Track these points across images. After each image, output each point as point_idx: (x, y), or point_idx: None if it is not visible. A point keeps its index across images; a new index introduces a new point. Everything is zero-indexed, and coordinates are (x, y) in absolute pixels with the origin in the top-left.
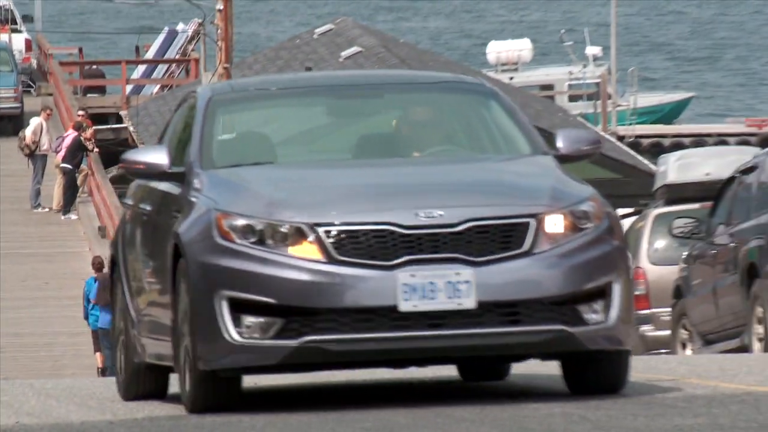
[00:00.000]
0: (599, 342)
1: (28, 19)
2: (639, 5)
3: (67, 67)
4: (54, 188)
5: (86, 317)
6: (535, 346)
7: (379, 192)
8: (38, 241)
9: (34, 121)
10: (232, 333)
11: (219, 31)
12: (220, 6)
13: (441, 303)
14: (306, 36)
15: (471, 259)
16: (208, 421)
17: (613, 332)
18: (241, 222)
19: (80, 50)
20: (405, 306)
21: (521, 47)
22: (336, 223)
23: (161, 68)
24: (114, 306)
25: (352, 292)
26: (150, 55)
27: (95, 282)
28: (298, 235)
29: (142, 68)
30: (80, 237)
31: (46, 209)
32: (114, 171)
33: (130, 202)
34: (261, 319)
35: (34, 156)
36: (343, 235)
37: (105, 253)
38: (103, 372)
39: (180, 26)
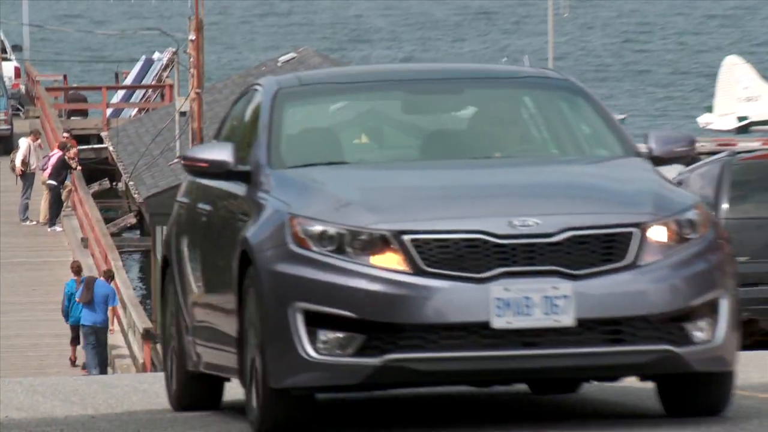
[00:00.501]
0: (706, 363)
1: (17, 48)
2: (580, 33)
3: (53, 92)
4: (41, 203)
5: (65, 315)
6: (638, 367)
7: (469, 197)
8: (26, 251)
9: (23, 144)
10: (307, 349)
11: (191, 59)
12: (192, 36)
13: (537, 320)
14: (271, 64)
15: (570, 272)
16: (181, 416)
17: (720, 352)
18: (317, 228)
19: (65, 77)
20: (498, 322)
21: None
22: (423, 230)
23: (138, 93)
24: (164, 308)
25: (441, 307)
26: (128, 81)
27: (75, 284)
28: (381, 243)
29: (121, 93)
30: (65, 247)
31: (34, 222)
32: (96, 187)
33: (184, 200)
34: (339, 335)
35: (24, 174)
36: (430, 244)
37: (87, 261)
38: (82, 367)
39: (156, 55)
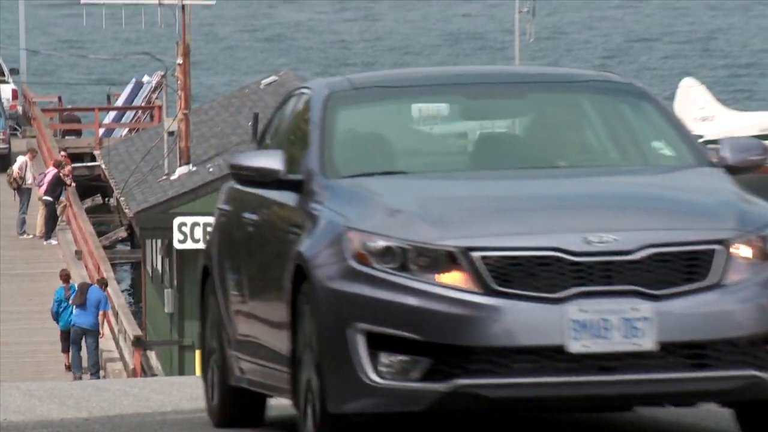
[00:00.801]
0: None
1: (14, 71)
2: (546, 58)
3: (48, 113)
4: (37, 218)
5: (56, 319)
6: (723, 394)
7: (540, 210)
8: (24, 263)
9: (20, 160)
10: (368, 372)
11: (179, 82)
12: (179, 60)
13: (615, 343)
14: (253, 86)
15: (650, 292)
16: (169, 419)
17: None
18: (380, 243)
19: (59, 98)
20: (574, 346)
21: (439, 106)
22: (493, 247)
23: (129, 114)
24: (204, 319)
25: (512, 329)
26: (120, 102)
27: (64, 291)
28: (449, 260)
29: (112, 114)
30: (60, 259)
31: (31, 236)
32: (89, 202)
33: (227, 208)
34: (403, 358)
35: (21, 189)
36: (501, 262)
37: (81, 272)
38: (68, 368)
39: (145, 78)
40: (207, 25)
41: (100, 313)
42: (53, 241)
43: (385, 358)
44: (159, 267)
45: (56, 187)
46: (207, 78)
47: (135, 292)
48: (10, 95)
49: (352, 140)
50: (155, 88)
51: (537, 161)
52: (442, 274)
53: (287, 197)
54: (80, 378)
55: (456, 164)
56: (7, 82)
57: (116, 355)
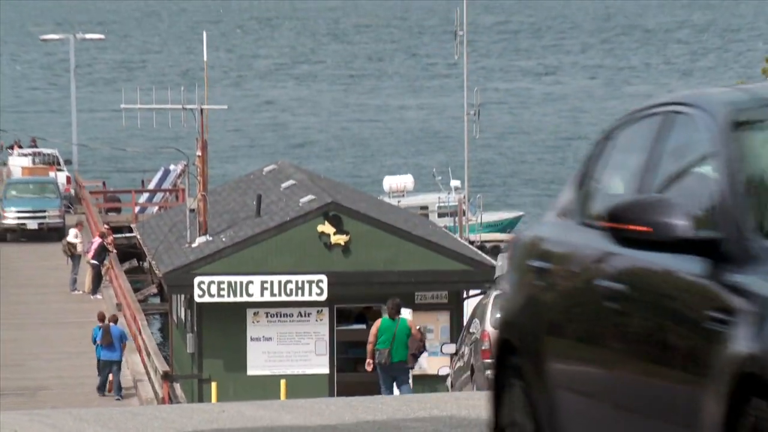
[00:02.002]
0: None
1: (68, 162)
2: (493, 149)
3: (95, 194)
4: (86, 277)
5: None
6: None
7: None
8: (74, 313)
9: (72, 232)
10: None
11: (198, 170)
12: (198, 153)
13: None
14: (257, 173)
15: None
16: None
17: None
18: None
19: (103, 183)
20: None
21: (406, 180)
22: None
23: (159, 195)
24: (501, 400)
25: None
26: (151, 186)
27: (99, 329)
28: None
29: (146, 195)
30: (104, 311)
31: (80, 292)
32: (127, 265)
33: (547, 266)
34: None
35: (72, 255)
36: None
37: (121, 320)
38: (98, 387)
39: (172, 166)
40: (221, 120)
41: (123, 344)
42: (98, 296)
43: None
44: (183, 316)
45: (101, 253)
46: (220, 165)
47: (164, 336)
48: (65, 180)
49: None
50: (179, 175)
51: None
52: None
53: (688, 264)
54: (103, 395)
55: None
56: (63, 170)
57: (149, 387)
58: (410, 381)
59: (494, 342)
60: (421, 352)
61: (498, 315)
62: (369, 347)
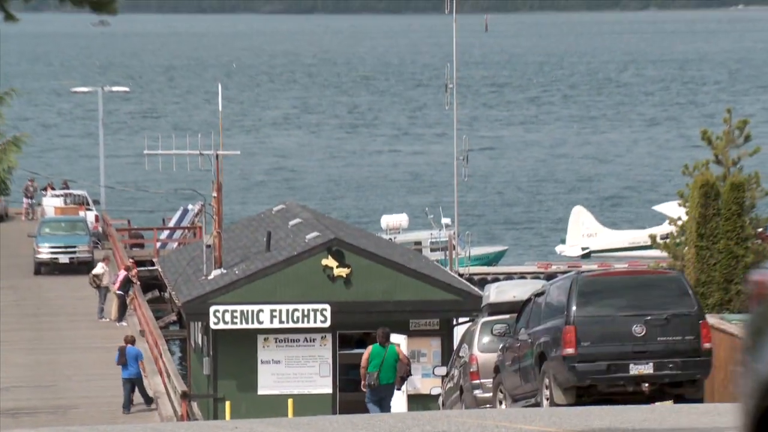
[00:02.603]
0: None
1: (96, 202)
2: (480, 191)
3: (120, 231)
4: (112, 306)
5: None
6: None
7: None
8: (101, 339)
9: (99, 265)
10: None
11: (214, 209)
12: (214, 194)
13: None
14: (267, 212)
15: None
16: None
17: None
18: None
19: (128, 221)
20: None
21: (401, 219)
22: None
23: (178, 232)
24: None
25: None
26: (171, 224)
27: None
28: None
29: (166, 232)
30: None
31: (107, 319)
32: (149, 295)
33: None
34: None
35: (100, 287)
36: None
37: (144, 345)
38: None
39: (190, 206)
40: (235, 164)
41: (140, 362)
42: (123, 323)
43: None
44: (199, 341)
45: (126, 284)
46: (233, 205)
47: (182, 360)
48: (93, 219)
49: None
50: (197, 214)
51: None
52: None
53: None
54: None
55: None
56: (91, 210)
57: (169, 405)
58: (392, 402)
59: (752, 410)
60: (409, 376)
61: (485, 340)
62: (362, 371)
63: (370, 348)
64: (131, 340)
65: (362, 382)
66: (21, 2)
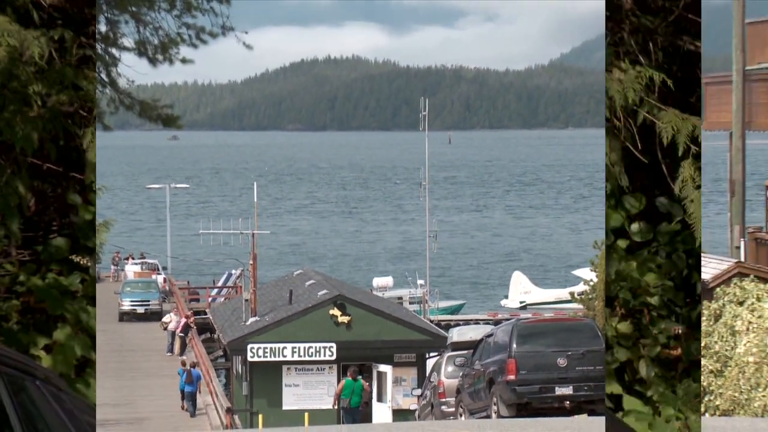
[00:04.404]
0: None
1: (165, 268)
2: (445, 260)
3: (182, 289)
4: (176, 344)
5: (181, 387)
6: None
7: None
8: (168, 369)
9: (166, 315)
10: None
11: (250, 273)
12: (251, 262)
13: None
14: (289, 275)
15: None
16: None
17: None
18: None
19: (188, 282)
20: None
21: (388, 280)
22: None
23: (224, 290)
24: None
25: None
26: (219, 284)
27: (183, 372)
28: None
29: (215, 290)
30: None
31: (172, 354)
32: (203, 336)
33: None
34: None
35: (167, 330)
36: None
37: (199, 372)
38: (184, 408)
39: (233, 271)
40: (265, 240)
41: (198, 383)
42: (184, 357)
43: None
44: (239, 370)
45: (186, 328)
46: (265, 270)
47: (227, 384)
48: (162, 280)
49: None
50: (238, 276)
51: None
52: None
53: None
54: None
55: None
56: (161, 274)
57: (216, 417)
58: (359, 418)
59: None
60: (370, 400)
61: (449, 369)
62: (335, 395)
63: (343, 381)
64: (195, 365)
65: (333, 402)
66: (110, 117)
